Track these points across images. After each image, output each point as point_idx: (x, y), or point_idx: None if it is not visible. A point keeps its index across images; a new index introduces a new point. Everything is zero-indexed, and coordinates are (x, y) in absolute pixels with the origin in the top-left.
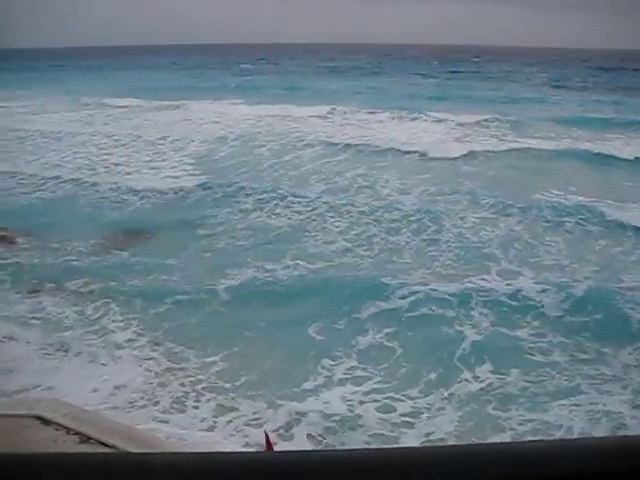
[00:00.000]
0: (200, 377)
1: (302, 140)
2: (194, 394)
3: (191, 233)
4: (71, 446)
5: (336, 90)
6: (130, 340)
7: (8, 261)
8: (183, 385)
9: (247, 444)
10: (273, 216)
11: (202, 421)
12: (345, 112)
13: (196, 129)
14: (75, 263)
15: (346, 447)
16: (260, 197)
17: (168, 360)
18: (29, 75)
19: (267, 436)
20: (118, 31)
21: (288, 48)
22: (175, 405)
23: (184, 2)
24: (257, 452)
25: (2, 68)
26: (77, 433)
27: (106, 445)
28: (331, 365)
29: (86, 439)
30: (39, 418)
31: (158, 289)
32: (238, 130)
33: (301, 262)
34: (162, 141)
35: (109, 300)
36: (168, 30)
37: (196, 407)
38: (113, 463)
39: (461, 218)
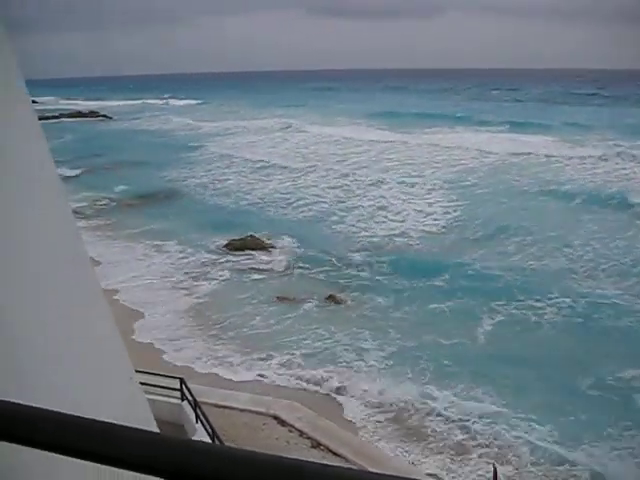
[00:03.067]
0: None
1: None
2: None
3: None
4: (303, 449)
5: (585, 123)
6: None
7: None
8: None
9: None
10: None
11: None
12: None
13: (441, 156)
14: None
15: None
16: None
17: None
18: (282, 95)
19: (495, 470)
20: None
21: (522, 73)
22: None
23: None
24: None
25: (260, 89)
26: (309, 438)
27: (335, 454)
28: None
29: (317, 445)
30: (276, 418)
31: None
32: (492, 158)
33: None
34: (410, 167)
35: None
36: (408, 55)
37: None
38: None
39: None
